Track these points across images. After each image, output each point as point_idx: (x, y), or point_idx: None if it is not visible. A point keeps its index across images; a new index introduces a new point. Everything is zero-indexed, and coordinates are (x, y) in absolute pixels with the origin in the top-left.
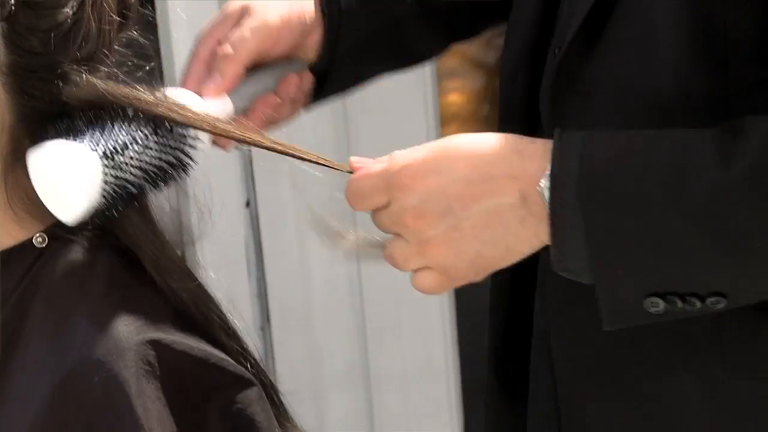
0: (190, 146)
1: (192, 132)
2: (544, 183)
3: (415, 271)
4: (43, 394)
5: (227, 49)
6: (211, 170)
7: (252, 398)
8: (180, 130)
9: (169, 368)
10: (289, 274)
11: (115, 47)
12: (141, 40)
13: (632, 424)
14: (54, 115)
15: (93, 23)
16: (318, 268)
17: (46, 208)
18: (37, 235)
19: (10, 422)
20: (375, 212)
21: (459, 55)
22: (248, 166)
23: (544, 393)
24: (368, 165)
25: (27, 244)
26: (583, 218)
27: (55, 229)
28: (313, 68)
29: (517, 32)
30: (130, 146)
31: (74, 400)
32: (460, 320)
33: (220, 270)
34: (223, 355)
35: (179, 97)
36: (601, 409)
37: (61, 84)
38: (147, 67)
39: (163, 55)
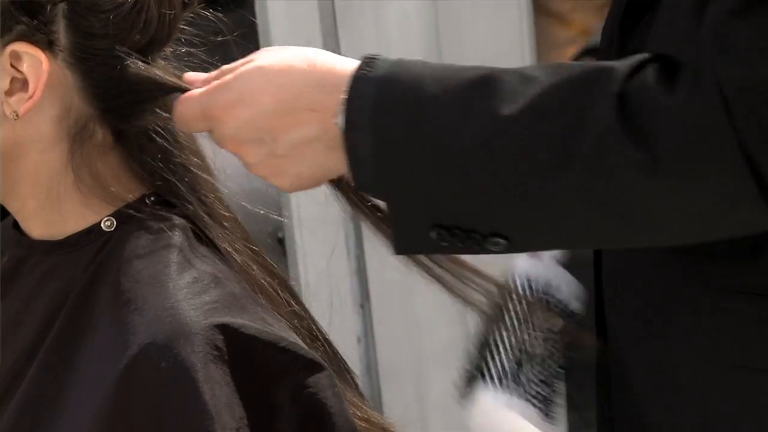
0: None
1: None
2: (340, 118)
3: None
4: (109, 379)
5: None
6: None
7: (323, 382)
8: None
9: (238, 353)
10: (388, 251)
11: (181, 26)
12: (210, 16)
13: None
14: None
15: (153, 4)
16: None
17: (112, 190)
18: (106, 218)
19: (78, 407)
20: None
21: None
22: None
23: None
24: (195, 85)
25: (95, 229)
26: (373, 140)
27: (123, 212)
28: None
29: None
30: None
31: (140, 386)
32: None
33: (319, 248)
34: (293, 339)
35: None
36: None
37: (120, 67)
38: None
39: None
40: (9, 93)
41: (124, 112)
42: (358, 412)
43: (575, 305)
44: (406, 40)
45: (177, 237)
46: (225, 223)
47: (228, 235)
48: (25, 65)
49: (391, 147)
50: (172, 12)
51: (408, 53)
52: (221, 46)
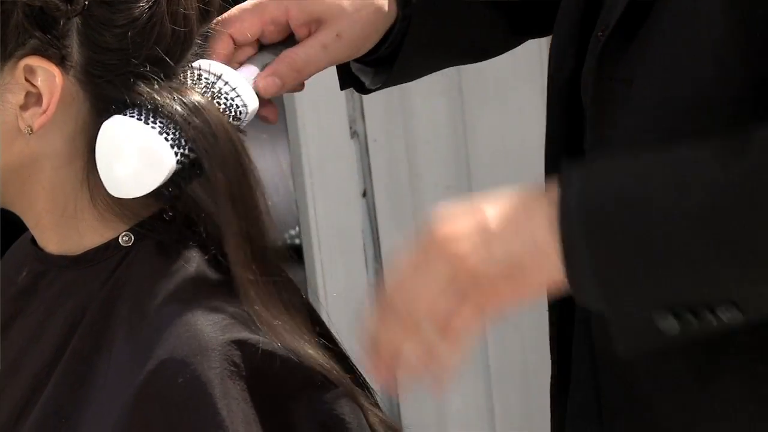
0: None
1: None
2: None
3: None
4: (127, 395)
5: (215, 20)
6: (327, 161)
7: (341, 397)
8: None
9: (255, 368)
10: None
11: (198, 41)
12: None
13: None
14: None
15: (168, 19)
16: None
17: (129, 207)
18: (123, 233)
19: (96, 422)
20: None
21: None
22: (365, 155)
23: (585, 377)
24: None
25: (113, 243)
26: (591, 257)
27: (140, 228)
28: (373, 56)
29: (564, 18)
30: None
31: (158, 401)
32: None
33: (337, 261)
34: (310, 354)
35: (211, 67)
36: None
37: (133, 82)
38: None
39: None
40: (24, 107)
41: None
42: (376, 427)
43: (246, 112)
44: None
45: (194, 253)
46: (242, 243)
47: (243, 256)
48: (39, 79)
49: (611, 262)
50: (188, 27)
51: (436, 145)
52: None
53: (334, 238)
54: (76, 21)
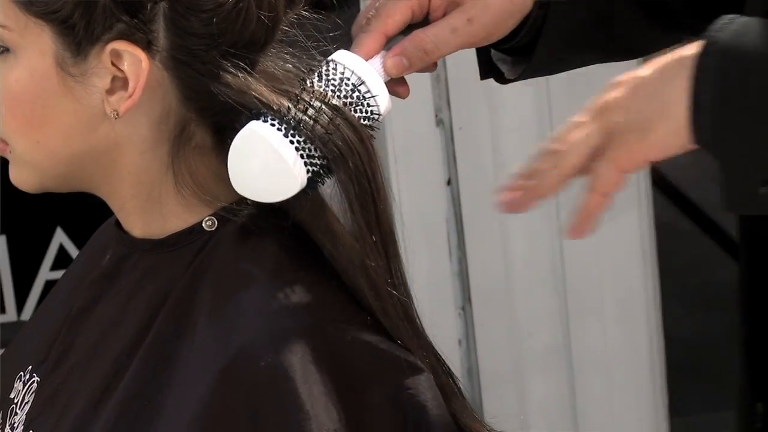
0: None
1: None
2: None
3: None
4: (208, 379)
5: (368, 16)
6: (412, 149)
7: (423, 385)
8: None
9: (335, 354)
10: (490, 254)
11: (284, 27)
12: (314, 17)
13: None
14: (216, 99)
15: (254, 4)
16: (519, 247)
17: (214, 193)
18: (207, 218)
19: (177, 405)
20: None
21: None
22: (449, 144)
23: None
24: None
25: (196, 228)
26: (714, 93)
27: (224, 213)
28: (510, 44)
29: None
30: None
31: (239, 385)
32: (665, 300)
33: (421, 250)
34: (392, 340)
35: (345, 59)
36: None
37: (220, 69)
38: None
39: None
40: (110, 92)
41: (221, 116)
42: (460, 416)
43: (381, 116)
44: None
45: (276, 240)
46: (330, 228)
47: (332, 241)
48: (125, 64)
49: (732, 103)
50: (274, 13)
51: (521, 134)
52: (325, 46)
53: (418, 226)
54: (162, 5)
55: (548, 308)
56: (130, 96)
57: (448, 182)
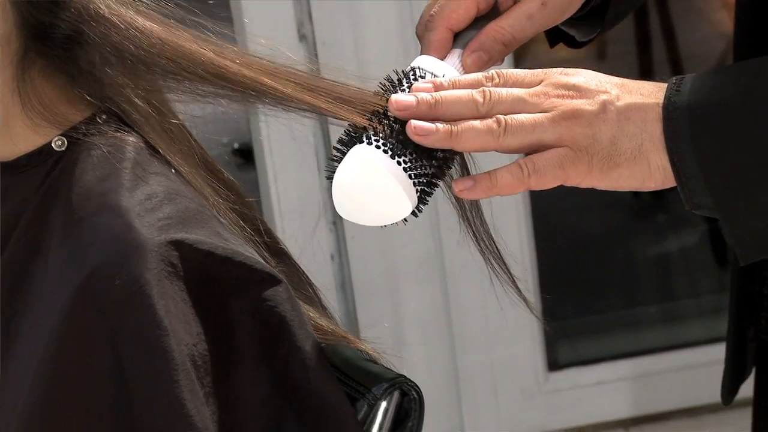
0: None
1: None
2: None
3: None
4: (64, 299)
5: (431, 13)
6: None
7: (281, 295)
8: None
9: (194, 268)
10: None
11: None
12: None
13: None
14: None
15: None
16: None
17: (62, 113)
18: (56, 138)
19: (34, 327)
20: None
21: None
22: (314, 59)
23: None
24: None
25: (46, 149)
26: (696, 155)
27: (74, 132)
28: (582, 12)
29: None
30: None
31: (95, 304)
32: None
33: (289, 165)
34: (249, 253)
35: (427, 64)
36: None
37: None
38: None
39: None
40: None
41: (60, 47)
42: (318, 324)
43: None
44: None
45: (129, 154)
46: (177, 138)
47: (180, 150)
48: None
49: (719, 161)
50: None
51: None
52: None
53: (286, 140)
54: None
55: (419, 219)
56: None
57: None
